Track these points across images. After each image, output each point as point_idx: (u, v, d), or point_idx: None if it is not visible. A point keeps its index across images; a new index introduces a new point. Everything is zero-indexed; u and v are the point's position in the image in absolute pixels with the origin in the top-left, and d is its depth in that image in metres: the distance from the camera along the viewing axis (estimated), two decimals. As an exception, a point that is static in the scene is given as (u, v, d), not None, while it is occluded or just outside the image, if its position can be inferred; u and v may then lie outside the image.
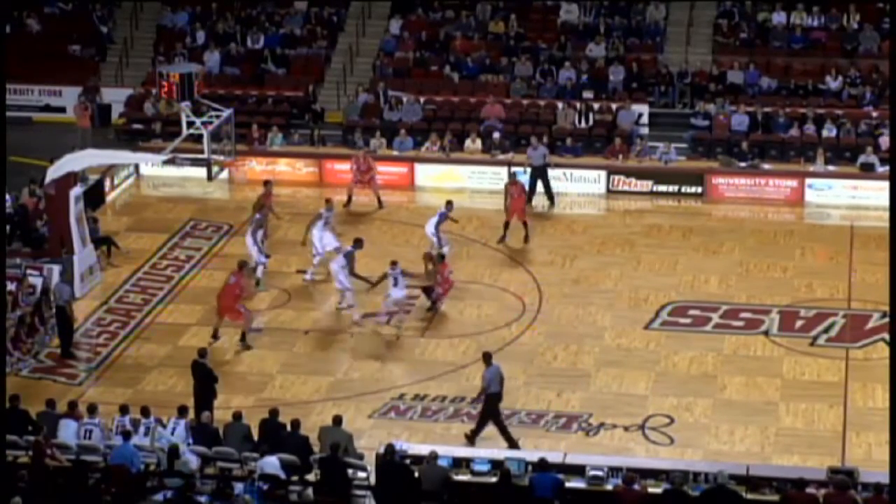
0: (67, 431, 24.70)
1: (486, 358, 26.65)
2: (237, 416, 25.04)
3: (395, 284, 30.84)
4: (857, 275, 33.53)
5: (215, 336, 30.45)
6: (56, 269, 31.34)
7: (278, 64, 46.09)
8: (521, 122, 42.62)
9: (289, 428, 24.46)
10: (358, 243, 32.15)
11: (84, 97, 43.83)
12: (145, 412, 25.14)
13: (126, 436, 24.16)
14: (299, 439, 24.18)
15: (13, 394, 25.61)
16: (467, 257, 34.65)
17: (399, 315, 30.99)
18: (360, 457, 24.30)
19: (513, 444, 25.97)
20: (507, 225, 35.53)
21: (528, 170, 37.82)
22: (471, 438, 26.32)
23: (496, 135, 40.37)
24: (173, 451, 23.61)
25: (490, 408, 26.27)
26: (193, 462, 23.91)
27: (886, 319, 30.90)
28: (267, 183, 35.41)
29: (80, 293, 32.33)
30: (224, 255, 34.87)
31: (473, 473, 23.59)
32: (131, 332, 31.27)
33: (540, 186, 37.85)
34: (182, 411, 25.09)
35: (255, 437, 24.76)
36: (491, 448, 25.26)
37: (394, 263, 31.00)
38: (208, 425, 24.92)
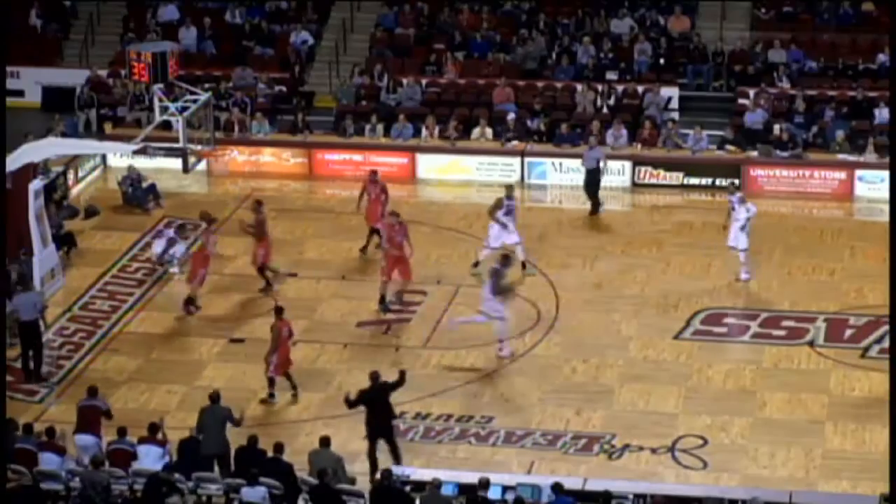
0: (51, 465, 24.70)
1: None
2: (214, 399, 25.10)
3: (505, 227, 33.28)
4: (914, 278, 33.53)
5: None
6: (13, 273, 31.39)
7: (262, 42, 46.07)
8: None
9: (270, 453, 24.31)
10: (506, 260, 31.29)
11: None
12: (122, 433, 25.20)
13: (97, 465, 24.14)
14: (281, 467, 24.04)
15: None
16: (475, 258, 34.62)
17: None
18: (352, 481, 24.31)
19: None
20: None
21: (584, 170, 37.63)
22: None
23: (510, 116, 40.22)
24: (154, 481, 23.50)
25: None
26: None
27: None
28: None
29: (39, 299, 32.37)
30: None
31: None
32: (97, 343, 31.30)
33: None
34: (152, 429, 25.07)
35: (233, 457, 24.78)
36: (502, 473, 25.24)
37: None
38: (195, 439, 24.92)
